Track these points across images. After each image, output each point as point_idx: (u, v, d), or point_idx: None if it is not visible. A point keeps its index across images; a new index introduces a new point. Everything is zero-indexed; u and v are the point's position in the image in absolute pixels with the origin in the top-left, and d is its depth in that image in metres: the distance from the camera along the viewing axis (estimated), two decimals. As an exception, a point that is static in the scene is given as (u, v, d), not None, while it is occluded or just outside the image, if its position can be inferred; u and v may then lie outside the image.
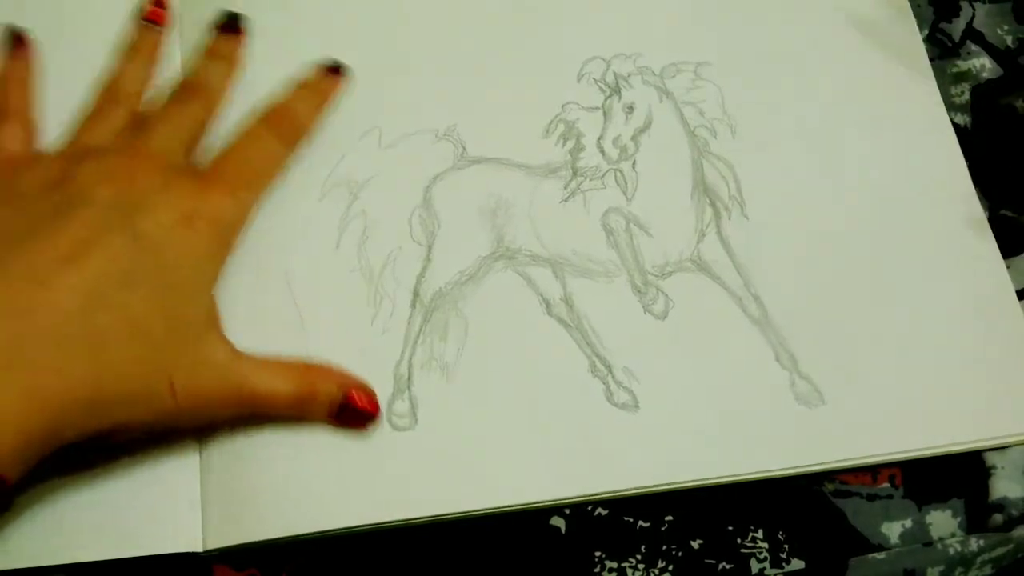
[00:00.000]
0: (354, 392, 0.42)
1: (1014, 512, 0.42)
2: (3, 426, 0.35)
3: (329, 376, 0.43)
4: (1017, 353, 0.45)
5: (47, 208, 0.40)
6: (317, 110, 0.48)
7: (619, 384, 0.44)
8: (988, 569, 0.41)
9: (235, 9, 0.50)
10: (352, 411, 0.42)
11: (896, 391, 0.44)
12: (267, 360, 0.42)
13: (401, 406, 0.43)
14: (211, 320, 0.42)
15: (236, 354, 0.42)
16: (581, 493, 0.42)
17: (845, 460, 0.43)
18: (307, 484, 0.42)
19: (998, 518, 0.42)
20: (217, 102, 0.48)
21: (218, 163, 0.45)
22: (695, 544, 0.42)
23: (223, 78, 0.48)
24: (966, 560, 0.41)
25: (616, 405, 0.44)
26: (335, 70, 0.49)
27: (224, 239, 0.43)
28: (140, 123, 0.46)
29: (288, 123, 0.47)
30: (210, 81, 0.48)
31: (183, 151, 0.45)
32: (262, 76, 0.49)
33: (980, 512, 0.43)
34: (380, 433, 0.43)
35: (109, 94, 0.48)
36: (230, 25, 0.50)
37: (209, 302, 0.42)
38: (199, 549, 0.41)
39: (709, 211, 0.47)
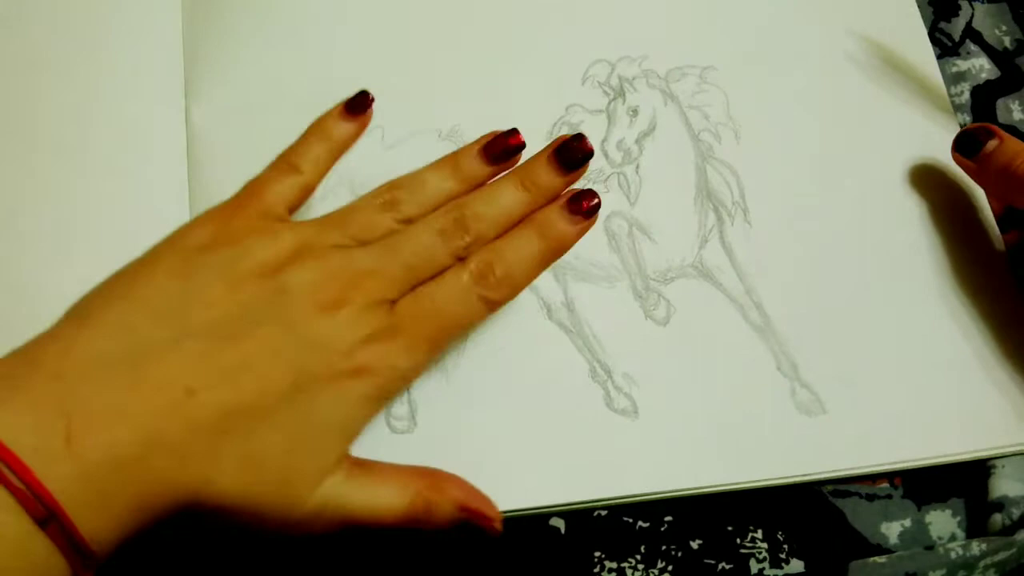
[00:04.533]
0: (471, 513, 0.40)
1: (1014, 511, 0.42)
2: (116, 533, 0.35)
3: (448, 498, 0.40)
4: (1019, 363, 0.45)
5: (242, 301, 0.38)
6: (535, 267, 0.42)
7: (619, 390, 0.44)
8: (991, 573, 0.41)
9: (240, 11, 0.49)
10: (464, 518, 0.40)
11: (897, 400, 0.44)
12: (379, 482, 0.39)
13: (400, 409, 0.43)
14: (339, 462, 0.39)
15: (343, 483, 0.39)
16: (578, 499, 0.42)
17: (845, 469, 0.43)
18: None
19: (998, 518, 0.42)
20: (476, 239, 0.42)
21: (414, 302, 0.40)
22: (695, 544, 0.42)
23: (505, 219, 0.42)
24: (968, 564, 0.41)
25: (615, 411, 0.44)
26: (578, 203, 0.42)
27: (386, 394, 0.40)
28: (396, 236, 0.41)
29: (493, 280, 0.41)
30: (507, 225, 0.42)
31: (404, 284, 0.40)
32: (268, 81, 0.49)
33: (980, 511, 0.43)
34: (378, 436, 0.43)
35: (410, 188, 0.42)
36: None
37: (343, 449, 0.39)
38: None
39: (712, 217, 0.47)
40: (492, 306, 0.41)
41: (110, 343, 0.36)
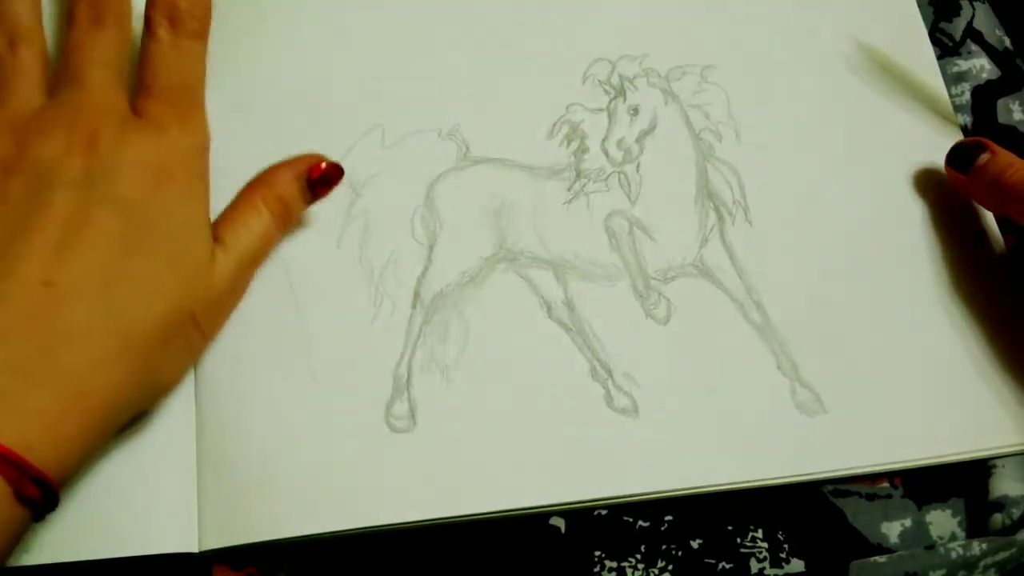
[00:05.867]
0: (311, 175, 0.44)
1: (1014, 511, 0.42)
2: (47, 435, 0.35)
3: (283, 180, 0.43)
4: (1018, 363, 0.45)
5: (18, 197, 0.39)
6: None
7: (619, 389, 0.44)
8: (991, 573, 0.41)
9: (238, 11, 0.49)
10: (320, 187, 0.44)
11: (897, 400, 0.44)
12: (237, 221, 0.42)
13: (400, 408, 0.43)
14: (211, 243, 0.41)
15: (224, 250, 0.42)
16: (579, 498, 0.42)
17: (845, 469, 0.43)
18: (304, 485, 0.42)
19: (998, 518, 0.42)
20: (129, 19, 0.44)
21: (150, 92, 0.42)
22: (695, 544, 0.42)
23: None
24: (968, 564, 0.41)
25: (616, 410, 0.43)
26: None
27: (200, 171, 0.43)
28: (64, 68, 0.43)
29: (183, 15, 0.43)
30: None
31: (120, 88, 0.43)
32: (267, 79, 0.49)
33: (980, 511, 0.43)
34: (378, 435, 0.43)
35: (7, 35, 0.43)
36: None
37: (207, 231, 0.41)
38: (194, 549, 0.41)
39: (713, 216, 0.47)
40: (202, 36, 0.43)
41: None
